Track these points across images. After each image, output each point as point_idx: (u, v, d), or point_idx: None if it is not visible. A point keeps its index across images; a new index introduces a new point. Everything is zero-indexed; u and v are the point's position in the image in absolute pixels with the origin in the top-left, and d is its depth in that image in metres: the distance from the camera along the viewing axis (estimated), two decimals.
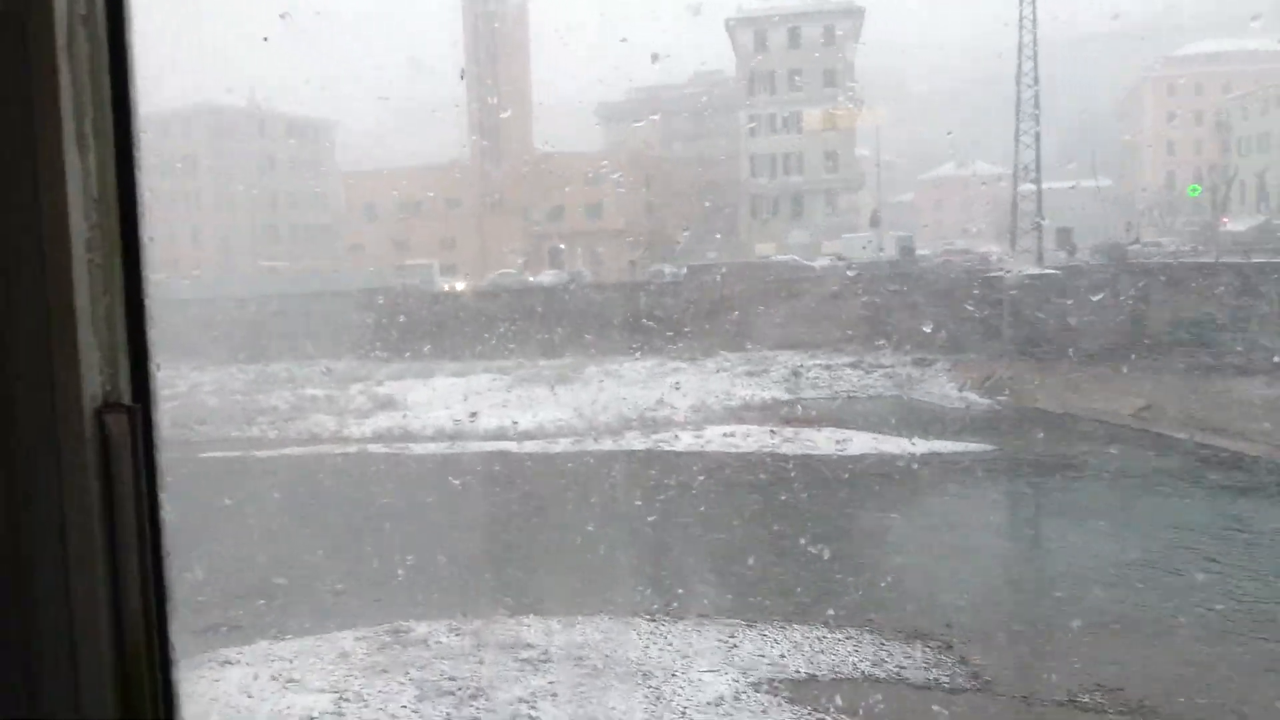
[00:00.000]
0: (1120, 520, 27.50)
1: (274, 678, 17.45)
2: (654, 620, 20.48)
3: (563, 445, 38.67)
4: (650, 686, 17.60)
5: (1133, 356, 47.88)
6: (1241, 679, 17.66)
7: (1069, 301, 50.44)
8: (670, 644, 19.40)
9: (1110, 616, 21.03)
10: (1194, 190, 79.00)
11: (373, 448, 40.02)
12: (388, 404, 47.37)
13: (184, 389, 50.25)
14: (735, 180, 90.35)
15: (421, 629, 19.66)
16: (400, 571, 21.93)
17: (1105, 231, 69.95)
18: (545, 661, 18.42)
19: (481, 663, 18.19)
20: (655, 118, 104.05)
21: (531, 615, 20.84)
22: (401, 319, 57.15)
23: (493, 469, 34.25)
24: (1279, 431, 34.13)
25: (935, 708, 17.21)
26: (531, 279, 70.67)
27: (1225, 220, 70.37)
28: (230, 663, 18.29)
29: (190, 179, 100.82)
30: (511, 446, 38.62)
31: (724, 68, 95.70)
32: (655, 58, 68.23)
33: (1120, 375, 45.10)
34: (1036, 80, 57.17)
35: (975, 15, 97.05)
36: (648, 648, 19.28)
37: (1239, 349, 44.16)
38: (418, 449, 39.58)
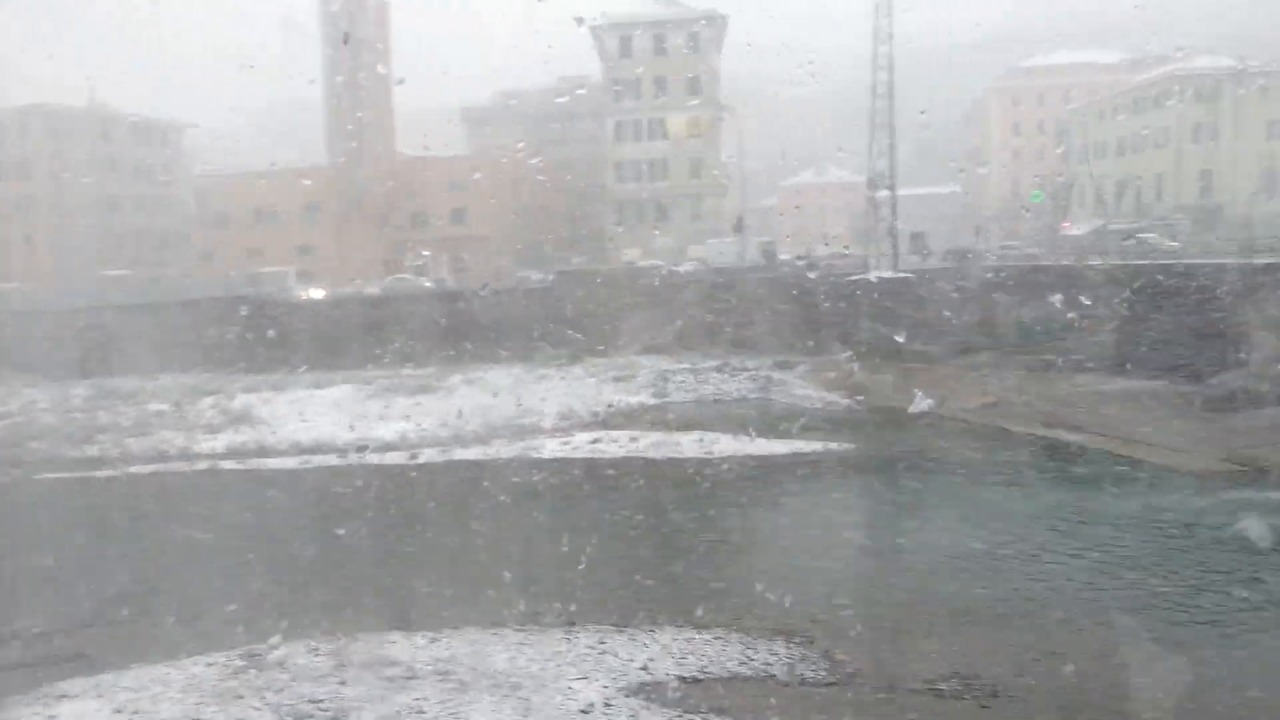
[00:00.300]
0: (971, 513, 28.57)
1: (117, 710, 16.42)
2: (523, 630, 20.19)
3: (427, 455, 37.93)
4: (519, 698, 17.31)
5: (982, 355, 50.12)
6: (1083, 660, 18.50)
7: (923, 303, 52.44)
8: (540, 653, 19.13)
9: (964, 605, 21.79)
10: (1036, 196, 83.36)
11: (225, 464, 38.38)
12: (241, 418, 45.49)
13: (16, 407, 47.20)
14: (602, 186, 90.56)
15: (278, 651, 18.84)
16: (253, 592, 21.01)
17: (956, 236, 73.05)
18: (411, 679, 17.91)
19: (344, 683, 17.53)
20: (521, 122, 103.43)
21: (395, 631, 20.25)
22: (256, 328, 54.99)
23: (353, 482, 33.27)
24: (1116, 423, 36.16)
25: (801, 702, 17.49)
26: (414, 283, 69.16)
27: (1066, 225, 74.40)
28: (68, 697, 17.13)
29: (24, 183, 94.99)
30: (372, 458, 37.67)
31: (590, 73, 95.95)
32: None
33: (971, 373, 47.13)
34: (891, 91, 59.13)
35: (834, 26, 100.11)
36: (515, 658, 18.97)
37: (1079, 347, 46.67)
38: (273, 464, 38.18)
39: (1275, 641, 19.27)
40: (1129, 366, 42.69)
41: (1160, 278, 44.10)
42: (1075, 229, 71.52)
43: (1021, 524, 27.33)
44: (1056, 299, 48.15)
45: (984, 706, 16.95)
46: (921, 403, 30.37)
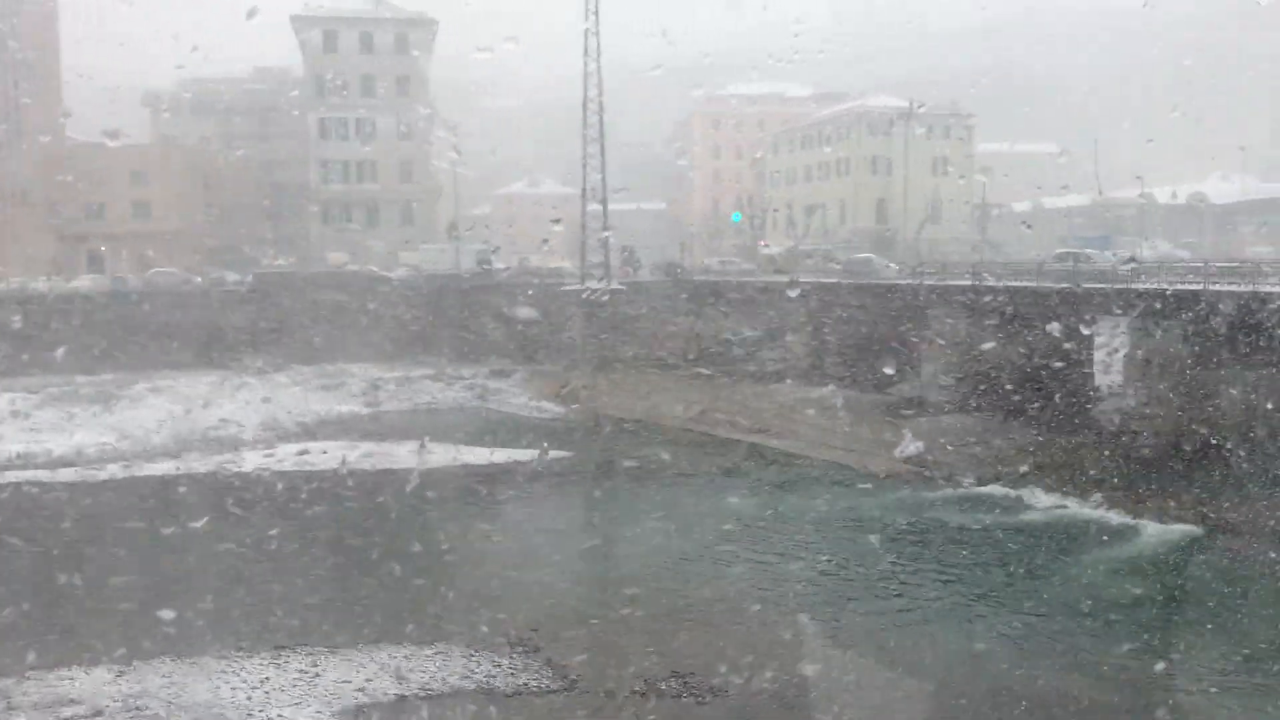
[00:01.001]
0: (683, 517, 29.69)
1: None
2: (225, 658, 18.68)
3: (109, 471, 34.36)
4: None
5: (690, 364, 52.47)
6: (791, 655, 19.64)
7: (636, 314, 54.13)
8: (245, 681, 17.78)
9: (679, 607, 22.55)
10: (736, 216, 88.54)
11: None
12: None
13: None
14: (305, 185, 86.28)
15: None
16: None
17: (663, 251, 76.04)
18: (95, 717, 16.07)
19: None
20: (212, 113, 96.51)
21: (74, 667, 18.11)
22: None
23: (18, 502, 29.57)
24: (811, 429, 38.90)
25: (526, 712, 17.36)
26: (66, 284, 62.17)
27: (764, 243, 79.48)
28: None
29: None
30: (43, 475, 33.64)
31: (291, 65, 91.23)
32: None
33: (679, 382, 49.19)
34: (601, 108, 60.59)
35: (547, 41, 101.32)
36: (218, 689, 17.52)
37: (779, 358, 49.92)
38: None
39: (960, 631, 21.27)
40: (822, 377, 46.16)
41: (849, 296, 47.92)
42: (772, 247, 76.63)
43: (730, 525, 28.69)
44: (763, 314, 51.31)
45: (701, 703, 17.59)
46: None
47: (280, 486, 31.55)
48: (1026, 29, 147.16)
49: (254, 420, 41.76)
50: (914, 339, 42.97)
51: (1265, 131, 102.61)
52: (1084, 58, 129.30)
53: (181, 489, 32.29)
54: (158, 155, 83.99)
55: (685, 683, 18.39)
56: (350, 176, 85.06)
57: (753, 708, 17.33)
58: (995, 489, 30.76)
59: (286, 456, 36.17)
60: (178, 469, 34.81)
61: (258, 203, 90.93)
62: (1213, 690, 17.74)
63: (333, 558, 24.95)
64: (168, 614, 19.75)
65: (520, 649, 19.89)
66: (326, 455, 36.25)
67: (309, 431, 41.24)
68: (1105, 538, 26.38)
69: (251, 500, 30.21)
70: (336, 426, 42.26)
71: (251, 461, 35.79)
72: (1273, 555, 23.98)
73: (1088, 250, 43.64)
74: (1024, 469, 31.38)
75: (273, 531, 26.83)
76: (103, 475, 33.84)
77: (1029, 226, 75.65)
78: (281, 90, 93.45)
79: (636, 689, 18.23)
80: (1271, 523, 25.16)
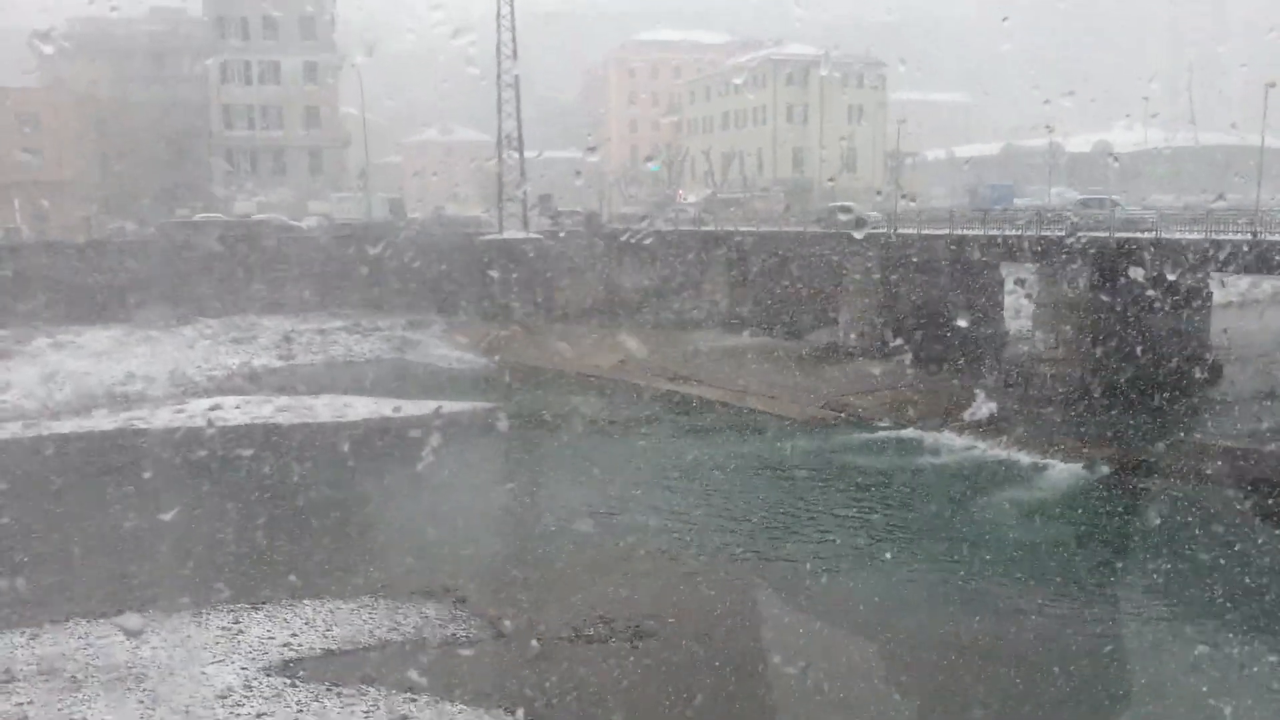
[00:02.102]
0: (606, 464, 29.80)
1: None
2: (145, 617, 18.23)
3: (10, 431, 33.06)
4: (145, 690, 15.66)
5: (610, 314, 52.38)
6: (718, 598, 19.98)
7: (555, 264, 53.68)
8: (166, 640, 17.42)
9: (606, 553, 22.71)
10: (655, 166, 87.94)
11: None
12: None
13: None
14: (207, 132, 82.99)
15: None
16: None
17: (581, 199, 75.27)
18: (8, 682, 15.59)
19: None
20: (107, 55, 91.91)
21: None
22: None
23: None
24: (732, 377, 39.26)
25: (454, 662, 17.36)
26: None
27: (681, 193, 79.23)
28: None
29: None
30: None
31: (188, 5, 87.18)
32: None
33: (601, 332, 49.07)
34: (515, 52, 59.31)
35: None
36: (138, 649, 17.12)
37: (695, 306, 50.16)
38: None
39: (875, 573, 21.84)
40: (741, 325, 46.53)
41: (767, 245, 48.22)
42: (690, 197, 76.53)
43: (652, 473, 28.93)
44: (677, 262, 51.32)
45: (633, 646, 17.82)
46: (982, 408, 30.97)
47: (193, 442, 30.73)
48: None
49: (162, 375, 40.50)
50: (832, 287, 43.55)
51: (1167, 82, 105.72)
52: (993, 8, 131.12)
53: (88, 447, 31.27)
54: (47, 99, 79.83)
55: (612, 628, 18.58)
56: (254, 122, 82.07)
57: (680, 649, 17.59)
58: (910, 432, 31.52)
59: (198, 412, 35.17)
60: (84, 427, 33.67)
61: (157, 150, 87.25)
62: (1121, 625, 18.57)
63: (252, 514, 24.45)
64: (82, 575, 19.22)
65: (447, 599, 19.85)
66: (240, 410, 35.42)
67: (221, 386, 40.17)
68: (1016, 478, 27.29)
69: (163, 457, 29.40)
70: (249, 381, 41.20)
71: (161, 418, 34.74)
72: (1176, 492, 25.08)
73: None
74: (937, 412, 32.21)
75: (187, 488, 26.21)
76: (3, 435, 32.54)
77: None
78: (179, 31, 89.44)
79: (565, 635, 18.36)
80: (1175, 460, 26.27)
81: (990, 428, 30.17)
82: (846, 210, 48.93)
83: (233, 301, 50.07)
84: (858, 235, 40.90)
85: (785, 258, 46.92)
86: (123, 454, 30.42)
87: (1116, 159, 75.88)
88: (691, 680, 16.43)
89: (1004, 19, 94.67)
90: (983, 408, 31.53)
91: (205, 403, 36.52)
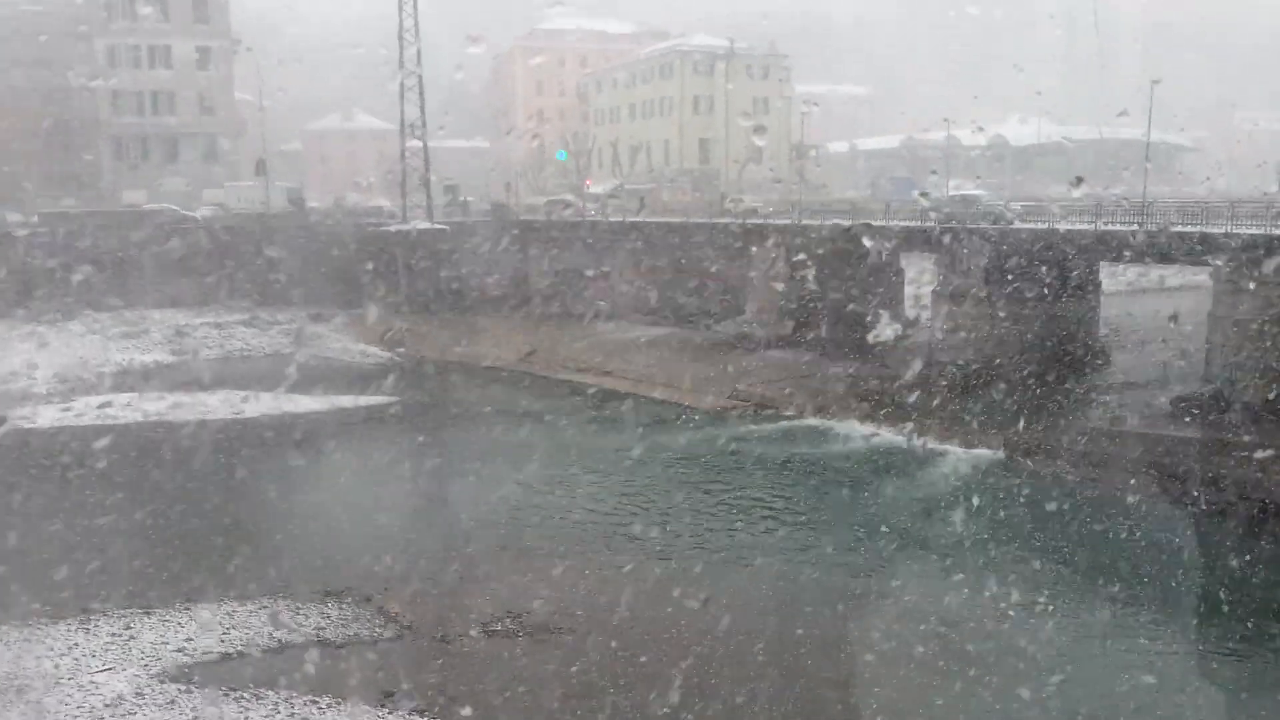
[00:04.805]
0: (513, 458, 29.40)
1: None
2: (27, 626, 17.44)
3: None
4: (29, 702, 14.98)
5: (517, 306, 51.90)
6: (625, 591, 19.95)
7: (460, 255, 52.89)
8: (52, 649, 16.70)
9: (512, 549, 22.47)
10: (562, 155, 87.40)
11: None
12: None
13: None
14: (94, 119, 79.70)
15: None
16: None
17: (488, 189, 74.35)
18: None
19: None
20: None
21: None
22: None
23: None
24: (639, 368, 39.27)
25: (358, 661, 17.02)
26: None
27: (589, 182, 78.91)
28: None
29: None
30: None
31: None
32: None
33: (507, 323, 48.60)
34: (418, 35, 58.21)
35: None
36: (20, 658, 16.38)
37: (603, 297, 49.96)
38: None
39: (781, 559, 22.10)
40: (649, 316, 46.56)
41: (675, 235, 48.24)
42: (597, 186, 76.28)
43: (559, 465, 28.73)
44: (582, 252, 51.08)
45: (539, 641, 17.71)
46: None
47: (81, 442, 29.49)
48: None
49: (47, 372, 38.81)
50: (739, 278, 43.90)
51: (1060, 77, 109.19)
52: (893, 5, 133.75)
53: None
54: None
55: (520, 622, 18.45)
56: (145, 109, 79.05)
57: (587, 643, 17.55)
58: (814, 421, 32.00)
59: (87, 410, 33.82)
60: None
61: (39, 136, 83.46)
62: (1011, 603, 19.13)
63: (144, 515, 23.61)
64: None
65: (350, 598, 19.46)
66: (132, 408, 34.13)
67: (111, 382, 38.61)
68: (915, 463, 27.94)
69: (49, 457, 28.14)
70: (142, 377, 39.72)
71: (47, 416, 33.32)
72: (1065, 474, 25.99)
73: (972, 193, 44.82)
74: (841, 401, 32.75)
75: (72, 489, 25.16)
76: None
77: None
78: (64, 13, 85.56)
79: (471, 631, 18.17)
80: (1064, 442, 27.21)
81: (891, 414, 30.76)
82: (738, 201, 49.33)
83: (123, 295, 48.13)
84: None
85: (693, 248, 47.09)
86: (3, 455, 29.05)
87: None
88: (598, 675, 16.41)
89: (907, 15, 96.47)
90: (882, 395, 32.12)
91: (95, 400, 35.11)
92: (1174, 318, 34.99)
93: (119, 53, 79.30)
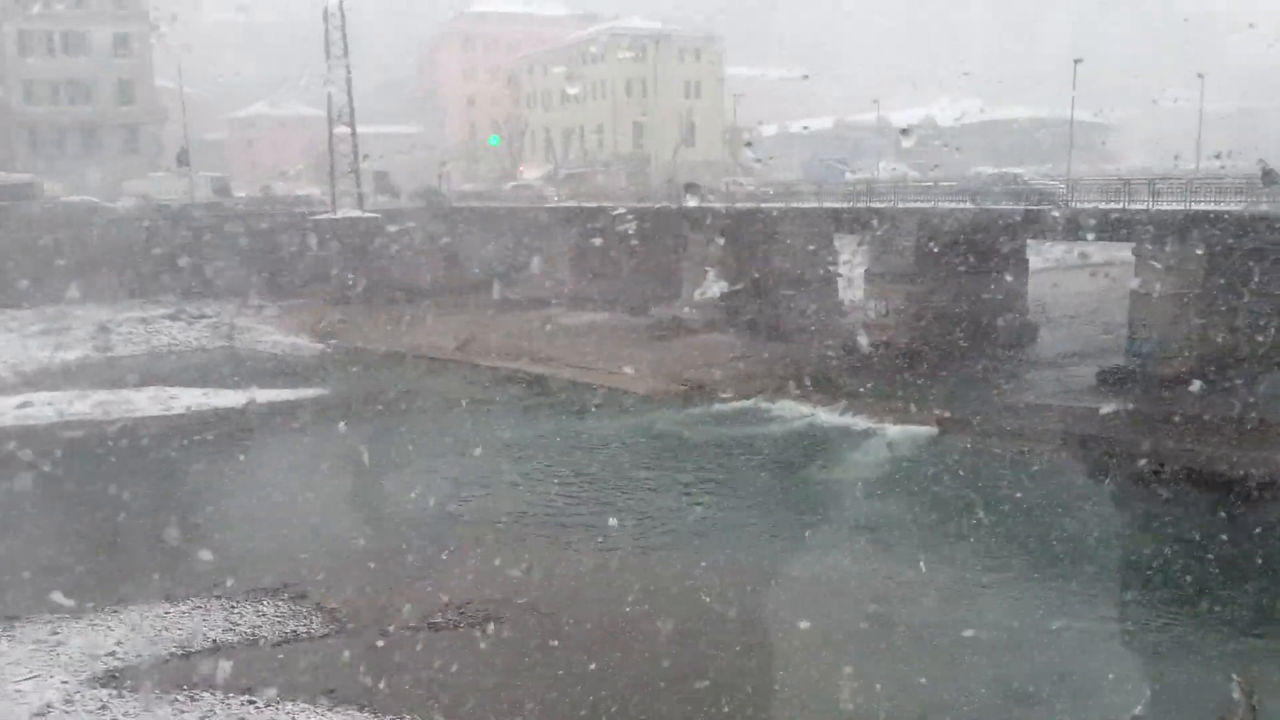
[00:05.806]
0: (450, 447, 29.29)
1: None
2: None
3: None
4: None
5: (452, 294, 51.34)
6: (572, 576, 19.97)
7: (393, 243, 52.16)
8: None
9: (451, 539, 22.31)
10: (494, 140, 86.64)
11: None
12: None
13: None
14: (5, 107, 77.09)
15: None
16: None
17: (418, 176, 73.35)
18: None
19: None
20: None
21: None
22: None
23: None
24: (578, 354, 39.15)
25: (296, 658, 16.78)
26: None
27: (522, 169, 78.35)
28: None
29: None
30: None
31: None
32: None
33: (441, 312, 48.05)
34: (343, 19, 57.17)
35: None
36: None
37: (540, 284, 49.68)
38: None
39: (716, 540, 22.25)
40: (585, 301, 46.42)
41: (610, 220, 48.11)
42: (530, 173, 75.76)
43: (499, 453, 28.60)
44: (520, 238, 50.76)
45: (480, 632, 17.61)
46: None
47: (1, 444, 28.55)
48: None
49: None
50: (676, 262, 43.97)
51: (986, 57, 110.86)
52: None
53: None
54: None
55: (462, 613, 18.34)
56: (60, 97, 76.43)
57: (531, 632, 17.51)
58: (751, 403, 32.21)
59: (5, 410, 32.74)
60: None
61: None
62: (942, 578, 19.52)
63: (69, 518, 23.01)
64: None
65: (286, 596, 19.17)
66: (53, 407, 33.12)
67: (30, 381, 37.43)
68: (850, 442, 28.30)
69: None
70: (62, 376, 38.57)
71: None
72: (995, 449, 26.57)
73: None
74: (776, 382, 33.02)
75: None
76: None
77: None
78: None
79: (412, 624, 18.00)
80: (994, 419, 27.81)
81: (827, 395, 31.08)
82: (693, 187, 49.20)
83: (40, 291, 46.57)
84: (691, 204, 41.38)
85: (629, 233, 47.02)
86: None
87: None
88: (541, 663, 16.39)
89: None
90: (818, 375, 32.42)
91: (14, 400, 34.00)
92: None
93: (31, 39, 76.57)
